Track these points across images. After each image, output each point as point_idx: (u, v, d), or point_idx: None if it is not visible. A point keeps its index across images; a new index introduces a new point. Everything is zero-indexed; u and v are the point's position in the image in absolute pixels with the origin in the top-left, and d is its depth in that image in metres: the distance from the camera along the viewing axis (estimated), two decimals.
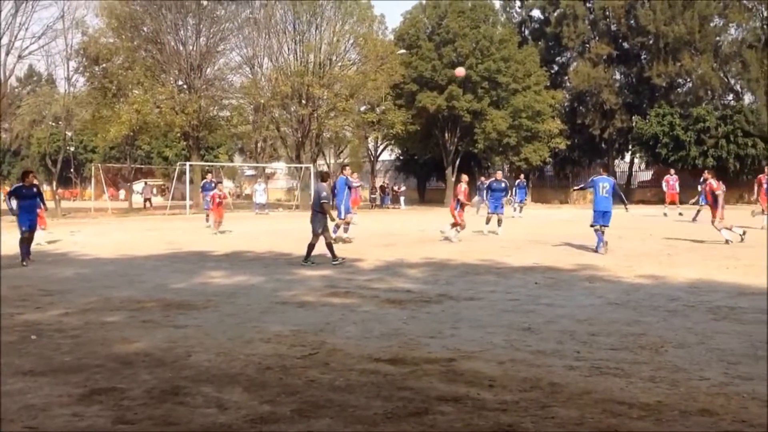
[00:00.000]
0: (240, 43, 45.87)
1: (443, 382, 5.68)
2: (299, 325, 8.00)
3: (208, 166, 49.64)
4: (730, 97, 51.11)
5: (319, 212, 14.30)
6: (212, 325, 8.03)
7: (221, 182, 24.31)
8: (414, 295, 10.06)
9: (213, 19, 43.63)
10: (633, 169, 57.60)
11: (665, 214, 30.48)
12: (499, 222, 21.38)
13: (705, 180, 25.44)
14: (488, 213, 21.88)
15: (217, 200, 22.51)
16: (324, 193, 14.51)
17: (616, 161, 57.26)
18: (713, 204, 18.35)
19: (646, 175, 57.67)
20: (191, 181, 42.95)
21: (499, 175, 22.90)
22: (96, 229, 26.42)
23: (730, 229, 17.65)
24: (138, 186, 61.01)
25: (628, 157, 56.96)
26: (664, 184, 32.37)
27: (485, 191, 24.14)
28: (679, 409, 4.91)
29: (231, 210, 32.63)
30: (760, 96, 45.68)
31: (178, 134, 45.84)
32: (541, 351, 6.66)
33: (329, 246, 14.30)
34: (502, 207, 21.86)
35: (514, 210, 32.53)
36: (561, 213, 37.56)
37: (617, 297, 9.68)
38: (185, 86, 43.35)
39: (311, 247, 14.23)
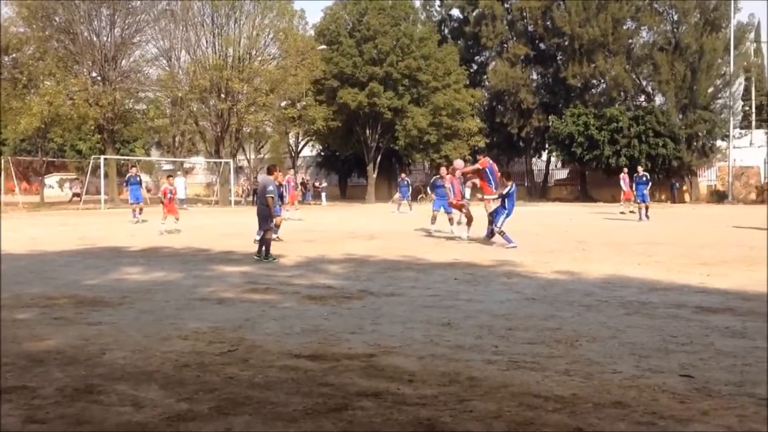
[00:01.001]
0: (156, 35, 45.07)
1: (363, 377, 5.68)
2: (218, 321, 7.89)
3: (124, 159, 48.59)
4: (642, 98, 52.85)
5: (265, 205, 14.17)
6: (128, 322, 7.84)
7: (172, 176, 22.98)
8: (335, 291, 10.04)
9: (128, 10, 42.63)
10: (549, 168, 58.90)
11: (622, 212, 30.51)
12: (451, 221, 19.79)
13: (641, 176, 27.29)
14: (433, 211, 20.76)
15: (168, 195, 20.93)
16: (270, 187, 14.32)
17: (534, 159, 58.47)
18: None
19: (563, 173, 59.08)
20: (106, 175, 41.86)
21: (443, 171, 20.81)
22: (6, 224, 25.50)
23: None
24: (51, 180, 59.13)
25: (544, 155, 58.21)
26: (622, 183, 32.33)
27: (429, 187, 23.23)
28: (593, 402, 5.02)
29: (148, 205, 31.75)
30: (670, 97, 47.39)
31: (92, 127, 44.64)
32: (460, 346, 6.72)
33: (262, 241, 14.17)
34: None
35: (406, 208, 34.74)
36: (479, 210, 37.99)
37: (534, 292, 9.87)
38: (99, 78, 42.25)
39: (267, 241, 14.12)
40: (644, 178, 27.55)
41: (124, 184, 29.87)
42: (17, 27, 40.81)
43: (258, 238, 15.53)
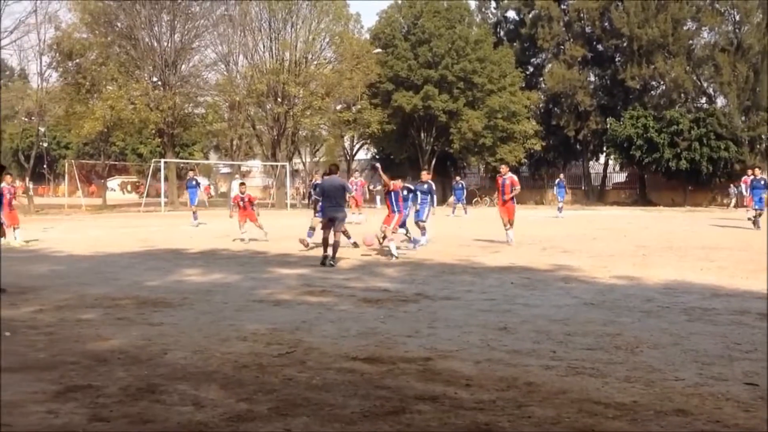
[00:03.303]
0: (215, 40, 45.72)
1: (420, 381, 5.68)
2: (275, 323, 7.97)
3: (183, 163, 49.39)
4: (703, 100, 51.79)
5: (341, 206, 13.94)
6: (188, 323, 7.98)
7: (244, 183, 21.36)
8: (391, 294, 10.05)
9: (188, 15, 43.40)
10: (607, 171, 58.09)
11: (749, 219, 24.77)
12: (423, 231, 18.07)
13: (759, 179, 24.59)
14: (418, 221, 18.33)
15: (240, 202, 19.47)
16: (348, 186, 14.31)
17: (591, 162, 57.73)
18: None
19: (621, 177, 58.19)
20: (166, 178, 42.65)
21: (424, 175, 19.42)
22: (70, 226, 26.17)
23: None
24: (113, 183, 60.50)
25: (602, 158, 57.43)
26: (743, 187, 29.13)
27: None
28: (654, 409, 4.95)
29: (207, 208, 32.33)
30: (732, 99, 46.30)
31: (153, 131, 45.52)
32: (517, 350, 6.68)
33: (335, 244, 13.81)
34: (424, 213, 18.18)
35: (461, 211, 34.15)
36: (536, 213, 37.77)
37: (593, 297, 9.74)
38: (160, 83, 43.07)
39: (337, 243, 13.83)
40: (762, 182, 24.43)
41: (186, 187, 30.19)
42: (80, 33, 41.82)
43: (309, 239, 15.58)
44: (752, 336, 7.23)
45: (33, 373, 5.87)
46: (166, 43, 42.87)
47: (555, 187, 35.85)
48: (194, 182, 28.00)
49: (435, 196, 18.72)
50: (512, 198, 17.89)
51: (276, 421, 4.71)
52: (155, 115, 40.71)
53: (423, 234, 17.93)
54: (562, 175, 37.80)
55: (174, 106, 41.79)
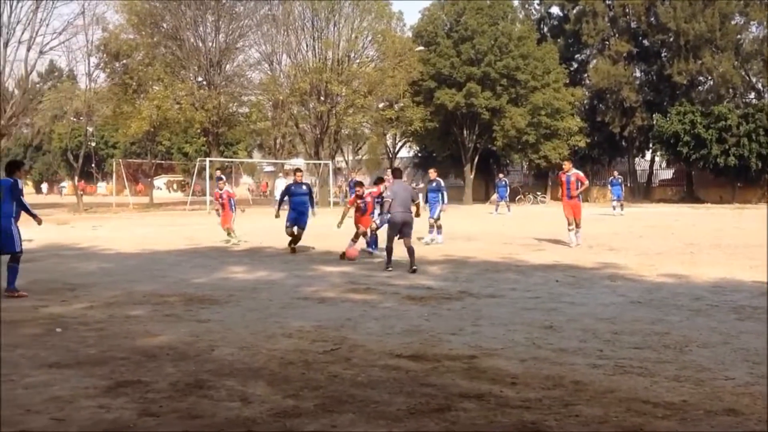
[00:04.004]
0: (259, 39, 45.95)
1: (465, 378, 5.68)
2: (320, 320, 8.02)
3: (228, 162, 49.82)
4: (752, 95, 50.72)
5: (411, 210, 13.07)
6: (234, 320, 8.07)
7: (222, 179, 20.39)
8: (434, 292, 10.06)
9: (232, 15, 43.77)
10: (653, 168, 57.27)
11: None
12: (431, 228, 18.13)
13: None
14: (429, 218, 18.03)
15: (220, 201, 18.64)
16: (417, 192, 13.80)
17: (637, 159, 56.96)
18: None
19: (667, 174, 57.33)
20: (211, 177, 43.12)
21: (432, 173, 18.63)
22: (117, 224, 26.62)
23: None
24: (159, 181, 61.39)
25: (648, 155, 56.62)
26: None
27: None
28: (704, 409, 4.88)
29: (250, 206, 32.47)
30: None
31: (198, 130, 46.03)
32: (563, 349, 6.64)
33: (410, 250, 12.75)
34: (436, 212, 17.92)
35: (505, 209, 34.09)
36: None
37: (640, 296, 9.63)
38: (205, 82, 43.51)
39: (412, 249, 12.79)
40: None
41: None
42: (127, 34, 42.44)
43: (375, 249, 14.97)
44: None
45: (84, 368, 5.99)
46: (210, 43, 43.30)
47: (609, 185, 35.34)
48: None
49: (446, 193, 18.23)
50: (578, 195, 17.05)
51: (322, 417, 4.75)
52: (200, 115, 41.14)
53: (439, 232, 17.91)
54: (616, 173, 37.29)
55: (219, 105, 42.19)
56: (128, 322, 8.02)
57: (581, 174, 17.53)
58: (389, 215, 12.94)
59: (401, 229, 12.82)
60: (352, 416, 4.78)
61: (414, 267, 12.37)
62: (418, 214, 13.33)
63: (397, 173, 14.35)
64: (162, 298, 9.55)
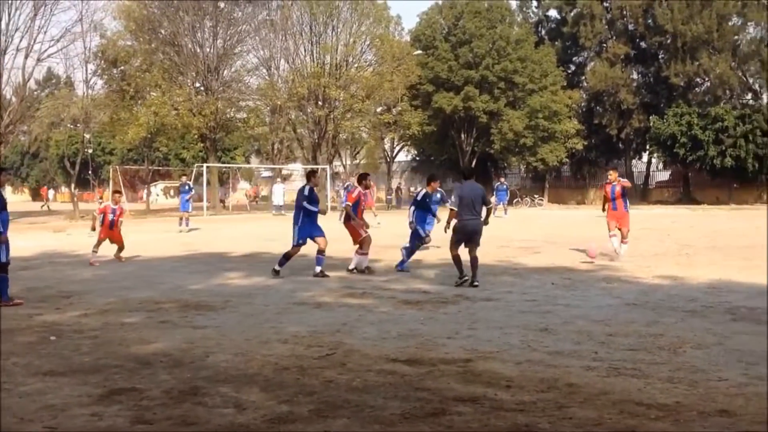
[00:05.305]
0: (257, 44, 46.02)
1: (460, 382, 5.69)
2: (316, 325, 8.03)
3: (226, 167, 49.78)
4: (749, 96, 50.78)
5: (480, 216, 11.44)
6: (230, 326, 8.07)
7: (119, 191, 18.42)
8: (431, 296, 10.06)
9: (230, 21, 43.79)
10: (650, 170, 57.31)
11: None
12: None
13: None
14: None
15: (111, 217, 15.95)
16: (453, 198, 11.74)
17: (634, 161, 56.99)
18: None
19: (664, 175, 57.36)
20: (208, 183, 43.13)
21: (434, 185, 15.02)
22: None
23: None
24: (156, 188, 61.35)
25: (645, 157, 56.66)
26: None
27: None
28: (698, 410, 4.89)
29: (248, 212, 32.42)
30: None
31: (196, 136, 45.99)
32: (558, 351, 6.65)
33: (474, 260, 11.34)
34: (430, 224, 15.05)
35: (502, 212, 33.86)
36: (577, 214, 37.43)
37: (635, 297, 9.65)
38: (202, 88, 43.57)
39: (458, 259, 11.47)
40: None
41: (179, 192, 28.66)
42: (125, 40, 42.48)
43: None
44: None
45: (78, 376, 5.99)
46: (208, 49, 43.31)
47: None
48: (187, 187, 26.91)
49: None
50: (625, 204, 15.21)
51: (316, 422, 4.75)
52: (198, 120, 41.15)
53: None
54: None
55: (216, 111, 42.19)
56: (123, 329, 8.02)
57: (626, 181, 16.03)
58: (455, 222, 11.50)
59: (469, 237, 11.38)
60: (347, 421, 4.78)
61: (476, 282, 11.03)
62: (486, 222, 11.69)
63: (467, 173, 12.52)
64: (157, 305, 9.54)
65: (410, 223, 13.58)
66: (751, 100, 50.13)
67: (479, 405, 5.09)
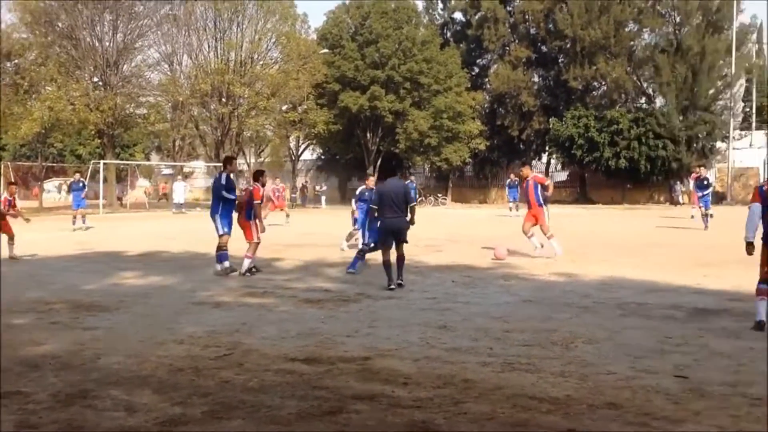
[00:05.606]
0: (159, 39, 45.01)
1: (358, 380, 5.69)
2: (214, 325, 7.89)
3: (123, 164, 48.47)
4: (643, 100, 52.76)
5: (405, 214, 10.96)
6: (123, 327, 7.84)
7: (14, 182, 18.65)
8: (332, 295, 10.04)
9: (131, 15, 42.63)
10: (549, 170, 58.83)
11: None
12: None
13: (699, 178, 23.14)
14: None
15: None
16: (412, 193, 11.51)
17: (534, 162, 58.31)
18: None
19: (562, 176, 58.98)
20: (105, 180, 41.87)
21: (370, 181, 15.04)
22: None
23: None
24: (49, 185, 59.18)
25: (545, 157, 58.11)
26: (692, 183, 26.02)
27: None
28: (587, 403, 5.03)
29: (147, 209, 31.65)
30: (671, 99, 47.32)
31: (93, 132, 44.62)
32: (455, 348, 6.73)
33: (400, 258, 11.05)
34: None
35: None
36: (480, 213, 38.10)
37: (531, 294, 9.87)
38: (101, 83, 42.28)
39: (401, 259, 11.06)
40: (705, 182, 23.06)
41: (69, 190, 28.04)
42: (20, 33, 40.84)
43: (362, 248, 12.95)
44: (683, 330, 7.42)
45: None
46: (108, 43, 42.04)
47: (507, 188, 35.42)
48: (81, 184, 25.92)
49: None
50: (537, 199, 14.64)
51: (210, 424, 4.67)
52: (95, 116, 39.88)
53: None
54: (513, 175, 37.38)
55: (115, 106, 41.02)
56: (11, 331, 7.68)
57: (539, 175, 15.90)
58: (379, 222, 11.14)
59: (392, 238, 10.98)
60: (242, 422, 4.71)
61: (400, 281, 10.83)
62: (413, 221, 11.13)
63: (389, 171, 12.00)
64: (48, 306, 9.18)
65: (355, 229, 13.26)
66: (644, 104, 52.11)
67: (376, 402, 5.10)
